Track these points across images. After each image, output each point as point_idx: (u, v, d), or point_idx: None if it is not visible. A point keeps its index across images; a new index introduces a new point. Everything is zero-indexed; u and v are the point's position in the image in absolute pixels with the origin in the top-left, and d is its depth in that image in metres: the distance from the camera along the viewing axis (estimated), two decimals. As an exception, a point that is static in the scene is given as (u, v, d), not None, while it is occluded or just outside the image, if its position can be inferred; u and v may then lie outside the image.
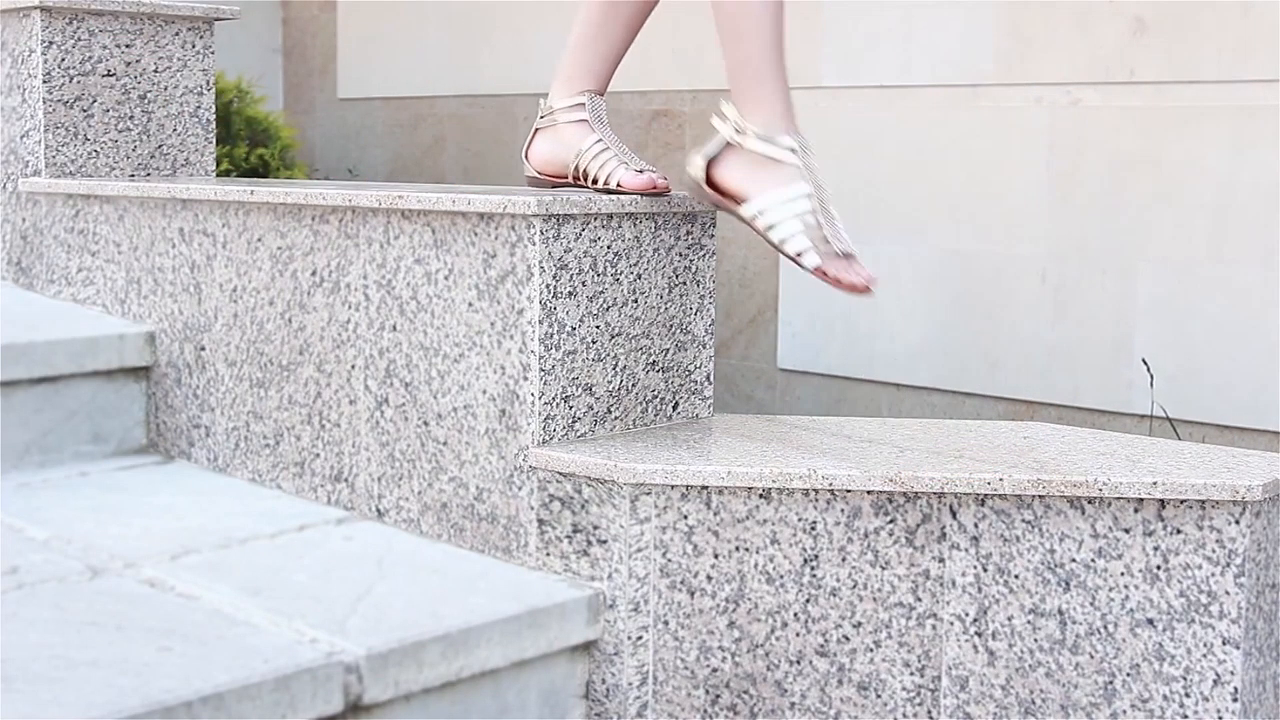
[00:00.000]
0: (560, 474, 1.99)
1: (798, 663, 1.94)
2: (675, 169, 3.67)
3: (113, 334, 2.55)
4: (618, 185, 2.11)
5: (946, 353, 3.13)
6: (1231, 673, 1.83)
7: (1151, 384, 2.84)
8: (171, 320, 2.56)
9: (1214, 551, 1.83)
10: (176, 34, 2.95)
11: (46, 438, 2.48)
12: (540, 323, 2.01)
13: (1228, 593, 1.82)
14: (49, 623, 1.75)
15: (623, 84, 3.77)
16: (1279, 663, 1.92)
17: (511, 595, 1.92)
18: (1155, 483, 1.83)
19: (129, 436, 2.59)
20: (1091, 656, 1.87)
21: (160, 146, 2.94)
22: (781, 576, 1.93)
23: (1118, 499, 1.85)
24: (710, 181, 2.00)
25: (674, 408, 2.20)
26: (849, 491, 1.91)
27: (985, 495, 1.88)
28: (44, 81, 2.81)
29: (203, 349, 2.50)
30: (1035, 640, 1.88)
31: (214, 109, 3.01)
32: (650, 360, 2.15)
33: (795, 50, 3.41)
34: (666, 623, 1.95)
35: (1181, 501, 1.83)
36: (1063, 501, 1.86)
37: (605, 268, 2.08)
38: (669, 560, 1.94)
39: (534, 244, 2.00)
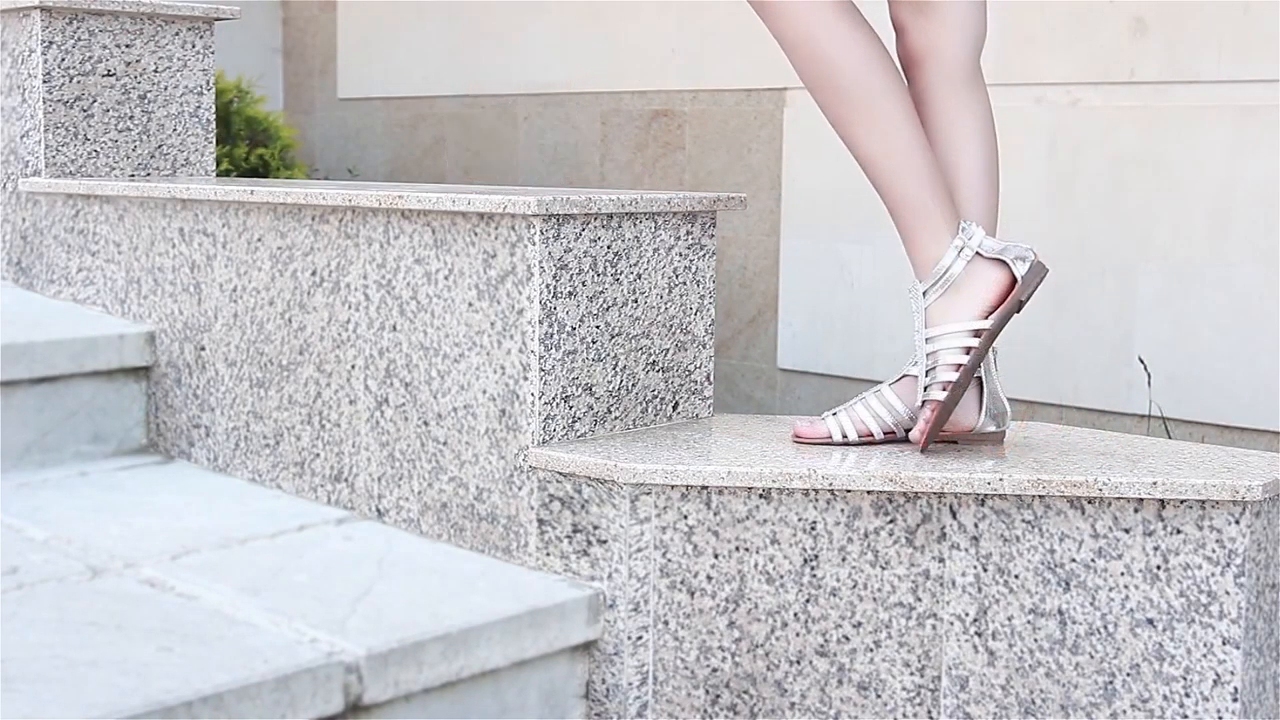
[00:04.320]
0: (560, 474, 1.99)
1: (798, 663, 1.94)
2: (675, 169, 3.67)
3: (113, 334, 2.55)
4: None
5: (946, 353, 3.12)
6: (1231, 673, 1.83)
7: (1149, 383, 2.84)
8: (171, 320, 2.56)
9: (1214, 551, 1.83)
10: (176, 34, 2.95)
11: (46, 438, 2.48)
12: (540, 323, 2.01)
13: (1228, 593, 1.82)
14: (49, 623, 1.74)
15: (623, 84, 3.78)
16: (1279, 663, 1.92)
17: (511, 595, 1.92)
18: (1155, 483, 1.83)
19: (129, 436, 2.59)
20: (1091, 656, 1.87)
21: (160, 146, 2.94)
22: (781, 576, 1.93)
23: (1118, 499, 1.85)
24: None
25: (674, 408, 2.20)
26: (849, 491, 1.91)
27: (985, 495, 1.88)
28: (44, 81, 2.81)
29: (203, 349, 2.50)
30: (1035, 640, 1.88)
31: (214, 109, 3.01)
32: (650, 360, 2.15)
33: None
34: (666, 623, 1.95)
35: (1181, 501, 1.83)
36: (1063, 501, 1.86)
37: (605, 268, 2.08)
38: (669, 560, 1.94)
39: (534, 244, 2.00)
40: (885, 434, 2.04)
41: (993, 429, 2.02)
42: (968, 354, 1.93)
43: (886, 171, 1.96)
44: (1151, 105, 2.88)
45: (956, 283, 1.94)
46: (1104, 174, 2.94)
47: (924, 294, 1.95)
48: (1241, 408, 2.77)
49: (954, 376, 1.92)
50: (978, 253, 1.94)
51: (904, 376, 2.05)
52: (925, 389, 1.96)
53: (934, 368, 1.95)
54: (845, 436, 2.04)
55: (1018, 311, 1.95)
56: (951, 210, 1.97)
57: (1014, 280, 1.93)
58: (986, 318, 1.93)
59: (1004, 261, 1.94)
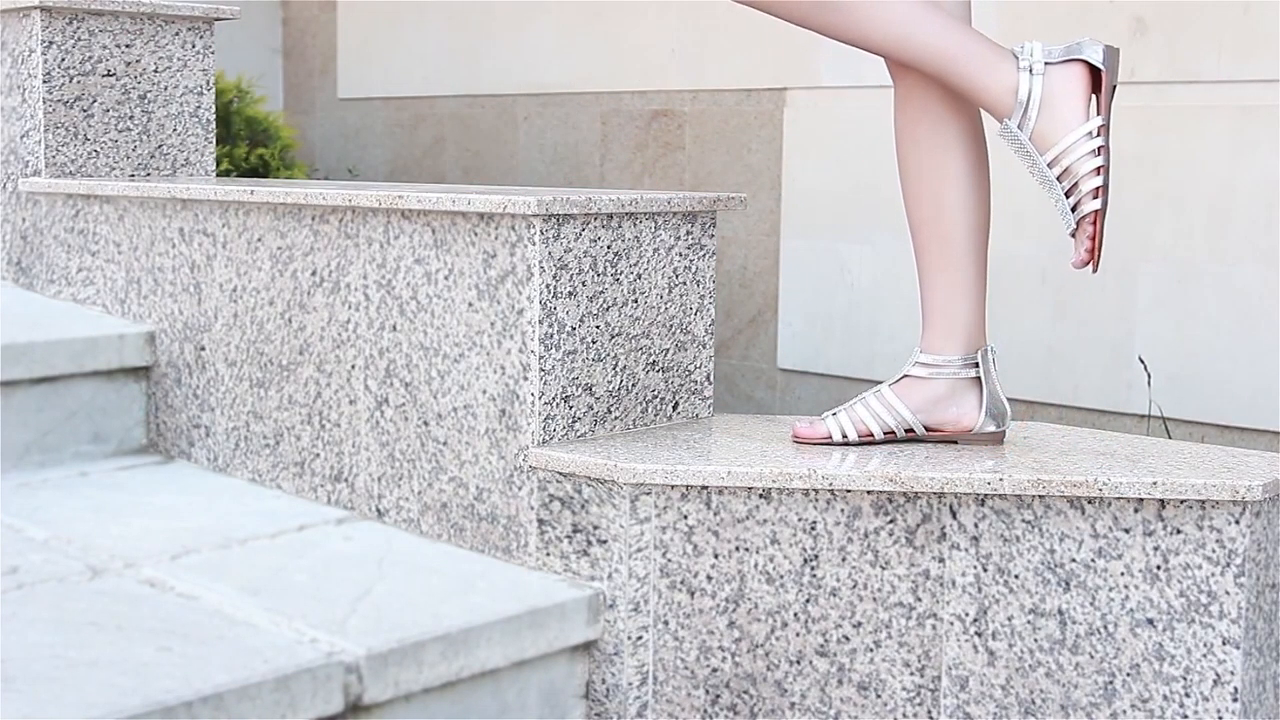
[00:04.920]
0: (560, 474, 1.99)
1: (798, 663, 1.94)
2: (675, 169, 3.67)
3: (113, 334, 2.55)
4: None
5: (946, 353, 3.12)
6: (1231, 673, 1.83)
7: (1149, 383, 2.84)
8: (171, 320, 2.56)
9: (1214, 551, 1.83)
10: (176, 34, 2.95)
11: (46, 438, 2.48)
12: (540, 323, 2.01)
13: (1228, 593, 1.82)
14: (49, 623, 1.74)
15: (623, 84, 3.78)
16: (1279, 663, 1.92)
17: (511, 595, 1.92)
18: (1155, 483, 1.83)
19: (129, 436, 2.59)
20: (1091, 656, 1.87)
21: (160, 146, 2.94)
22: (781, 576, 1.93)
23: (1118, 499, 1.85)
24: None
25: (674, 408, 2.20)
26: (849, 491, 1.91)
27: (985, 495, 1.88)
28: (44, 81, 2.81)
29: (203, 349, 2.50)
30: (1035, 640, 1.88)
31: (214, 109, 3.01)
32: (650, 360, 2.15)
33: (796, 50, 3.41)
34: (666, 623, 1.95)
35: (1181, 501, 1.83)
36: (1063, 501, 1.86)
37: (605, 268, 2.08)
38: (669, 560, 1.94)
39: (534, 244, 2.00)
40: (885, 434, 2.04)
41: (993, 429, 2.02)
42: (1099, 154, 1.91)
43: (916, 46, 1.94)
44: (1151, 105, 2.88)
45: (1043, 100, 1.91)
46: (1104, 174, 2.93)
47: (1019, 127, 1.92)
48: (1241, 408, 2.77)
49: (1101, 180, 1.90)
50: (1047, 63, 1.92)
51: (904, 377, 2.05)
52: (1073, 209, 1.92)
53: (1075, 182, 1.91)
54: (845, 436, 2.04)
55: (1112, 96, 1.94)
56: (994, 43, 1.95)
57: (1093, 69, 1.92)
58: (1088, 117, 1.91)
59: (1074, 59, 1.92)
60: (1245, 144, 2.75)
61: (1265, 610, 1.87)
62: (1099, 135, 1.91)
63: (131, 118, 2.90)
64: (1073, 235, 1.94)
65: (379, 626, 1.77)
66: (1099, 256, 1.94)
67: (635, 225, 2.12)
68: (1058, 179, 1.92)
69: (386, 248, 2.18)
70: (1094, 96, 1.94)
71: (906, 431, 2.04)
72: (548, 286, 2.01)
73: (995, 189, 3.00)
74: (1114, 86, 1.93)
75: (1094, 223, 1.91)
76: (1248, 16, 2.74)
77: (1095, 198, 1.90)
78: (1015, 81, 1.92)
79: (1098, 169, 1.90)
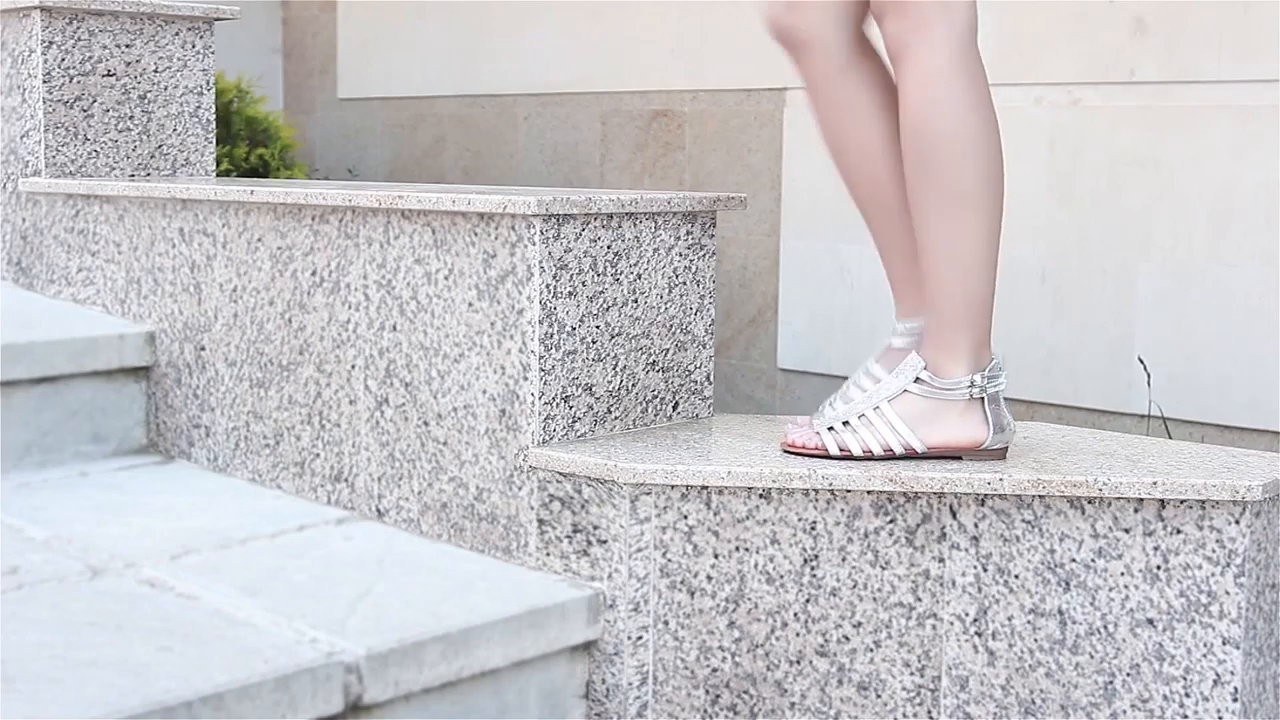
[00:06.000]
0: (560, 474, 1.99)
1: (798, 663, 1.94)
2: (675, 169, 3.67)
3: (113, 334, 2.55)
4: None
5: (946, 353, 3.12)
6: (1231, 673, 1.83)
7: (1149, 383, 2.84)
8: (171, 320, 2.56)
9: (1214, 551, 1.83)
10: (176, 34, 2.95)
11: (46, 438, 2.48)
12: (540, 323, 2.01)
13: (1228, 593, 1.82)
14: (49, 623, 1.74)
15: (623, 84, 3.78)
16: (1279, 663, 1.92)
17: (511, 595, 1.92)
18: (1155, 483, 1.83)
19: (129, 436, 2.59)
20: (1091, 656, 1.87)
21: (160, 146, 2.94)
22: (781, 576, 1.93)
23: (1118, 499, 1.85)
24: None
25: (674, 408, 2.20)
26: (849, 491, 1.91)
27: (985, 495, 1.88)
28: (44, 81, 2.81)
29: (203, 349, 2.50)
30: (1035, 640, 1.88)
31: (214, 109, 3.02)
32: (650, 360, 2.15)
33: (795, 50, 3.41)
34: (666, 623, 1.95)
35: (1181, 501, 1.83)
36: (1063, 501, 1.86)
37: (605, 268, 2.08)
38: (669, 560, 1.94)
39: (534, 244, 2.00)
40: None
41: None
42: (886, 452, 1.94)
43: (972, 273, 1.92)
44: (1151, 105, 2.88)
45: (946, 402, 1.94)
46: (1104, 174, 2.93)
47: (915, 380, 1.94)
48: (1241, 408, 2.77)
49: (859, 454, 1.94)
50: (985, 396, 1.93)
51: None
52: (835, 427, 1.96)
53: (856, 427, 1.95)
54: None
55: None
56: (989, 336, 1.96)
57: (978, 441, 1.93)
58: (929, 449, 1.93)
59: (986, 418, 1.93)
60: (1245, 144, 2.75)
61: (1265, 610, 1.87)
62: (906, 451, 1.93)
63: (131, 118, 2.90)
64: (815, 430, 1.98)
65: (379, 626, 1.77)
66: (786, 444, 2.00)
67: (635, 225, 2.12)
68: (859, 412, 1.96)
69: (386, 248, 2.18)
70: (957, 452, 1.94)
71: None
72: (548, 286, 2.01)
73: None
74: (958, 457, 1.95)
75: (815, 450, 1.96)
76: (1248, 16, 2.74)
77: (839, 450, 1.94)
78: (960, 376, 1.92)
79: (868, 450, 1.94)
